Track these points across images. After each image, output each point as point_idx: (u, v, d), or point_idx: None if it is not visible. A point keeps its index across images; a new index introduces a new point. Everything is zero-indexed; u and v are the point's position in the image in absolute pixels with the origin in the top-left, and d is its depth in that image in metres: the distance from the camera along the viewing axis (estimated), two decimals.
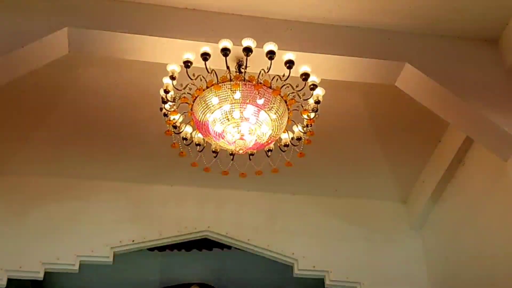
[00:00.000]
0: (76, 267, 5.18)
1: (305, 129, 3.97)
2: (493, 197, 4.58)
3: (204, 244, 5.75)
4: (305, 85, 3.70)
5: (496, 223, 4.53)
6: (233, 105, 3.65)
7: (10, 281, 5.15)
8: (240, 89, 3.61)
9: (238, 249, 5.60)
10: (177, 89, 3.72)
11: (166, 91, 3.68)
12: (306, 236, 5.59)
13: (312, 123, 3.90)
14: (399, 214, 5.82)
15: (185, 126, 3.98)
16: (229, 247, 5.72)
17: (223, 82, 3.62)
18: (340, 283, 5.49)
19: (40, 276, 5.13)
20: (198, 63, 3.68)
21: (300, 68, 3.68)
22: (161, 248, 5.70)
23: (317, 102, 3.73)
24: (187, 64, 3.64)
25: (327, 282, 5.44)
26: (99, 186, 5.52)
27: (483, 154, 4.69)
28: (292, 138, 4.03)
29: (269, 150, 4.08)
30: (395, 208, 5.84)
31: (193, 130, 4.01)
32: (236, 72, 3.77)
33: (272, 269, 5.99)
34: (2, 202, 5.33)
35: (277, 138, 4.01)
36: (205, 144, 4.05)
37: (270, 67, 3.61)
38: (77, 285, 6.37)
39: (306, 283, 6.04)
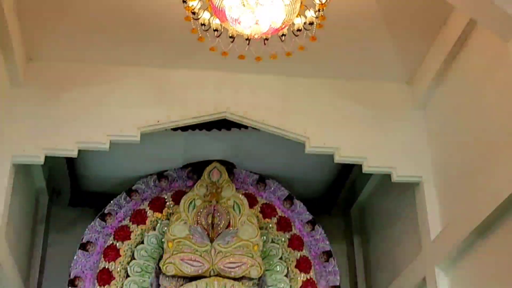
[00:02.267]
0: (107, 145, 5.35)
1: (317, 13, 3.99)
2: (494, 77, 4.61)
3: (223, 124, 5.84)
4: None
5: (496, 101, 4.57)
6: None
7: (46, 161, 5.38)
8: None
9: (255, 128, 5.70)
10: None
11: None
12: (317, 116, 5.68)
13: (324, 8, 3.91)
14: (404, 95, 5.87)
15: (203, 12, 4.00)
16: (246, 127, 5.81)
17: None
18: (347, 158, 5.65)
19: (74, 154, 5.32)
20: None
21: None
22: (184, 128, 5.80)
23: None
24: None
25: (336, 158, 5.59)
26: (125, 71, 5.59)
27: (485, 36, 4.68)
28: (305, 23, 4.05)
29: (283, 35, 4.11)
30: (401, 89, 5.89)
31: (211, 16, 4.03)
32: None
33: (285, 147, 6.09)
34: (37, 86, 5.45)
35: (291, 23, 4.02)
36: (222, 30, 4.08)
37: None
38: (108, 163, 6.52)
39: (313, 160, 6.19)
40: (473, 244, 4.79)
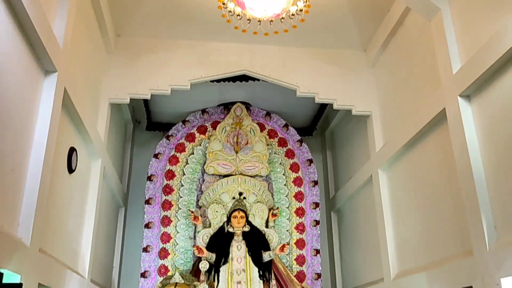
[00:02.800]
0: (169, 91, 5.36)
1: (304, 3, 3.93)
2: (420, 45, 4.58)
3: (243, 78, 5.81)
4: None
5: (421, 61, 4.57)
6: None
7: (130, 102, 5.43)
8: None
9: (264, 81, 5.68)
10: None
11: None
12: (304, 72, 5.63)
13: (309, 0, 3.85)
14: (361, 58, 5.79)
15: (230, 3, 3.96)
16: (258, 80, 5.78)
17: None
18: (324, 100, 5.65)
19: (148, 97, 5.35)
20: None
21: None
22: (218, 80, 5.78)
23: None
24: None
25: (316, 99, 5.60)
26: (180, 43, 5.52)
27: (415, 17, 4.61)
28: (297, 10, 4.00)
29: (282, 18, 4.08)
30: (359, 54, 5.79)
31: (235, 6, 3.99)
32: None
33: (283, 93, 6.07)
34: (123, 54, 5.44)
35: (287, 10, 3.98)
36: (242, 15, 4.05)
37: None
38: (169, 103, 6.53)
39: (301, 101, 6.19)
40: (403, 154, 4.89)
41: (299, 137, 6.56)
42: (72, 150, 4.13)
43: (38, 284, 3.20)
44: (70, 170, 4.12)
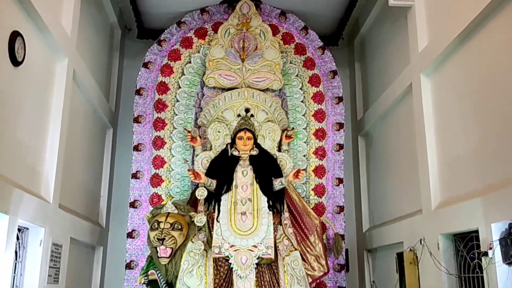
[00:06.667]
0: None
1: None
2: None
3: None
4: None
5: None
6: None
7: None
8: None
9: None
10: None
11: None
12: None
13: None
14: None
15: None
16: None
17: None
18: None
19: None
20: None
21: None
22: None
23: None
24: None
25: None
26: None
27: None
28: None
29: None
30: None
31: None
32: None
33: None
34: None
35: None
36: None
37: None
38: (162, 1, 5.56)
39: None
40: (455, 49, 3.87)
41: (321, 43, 5.46)
42: (15, 35, 3.27)
43: None
44: (15, 61, 3.28)
